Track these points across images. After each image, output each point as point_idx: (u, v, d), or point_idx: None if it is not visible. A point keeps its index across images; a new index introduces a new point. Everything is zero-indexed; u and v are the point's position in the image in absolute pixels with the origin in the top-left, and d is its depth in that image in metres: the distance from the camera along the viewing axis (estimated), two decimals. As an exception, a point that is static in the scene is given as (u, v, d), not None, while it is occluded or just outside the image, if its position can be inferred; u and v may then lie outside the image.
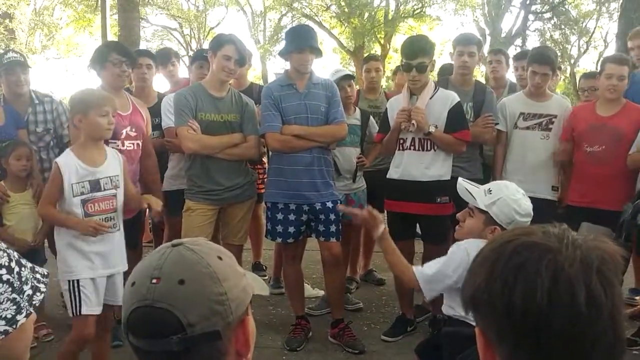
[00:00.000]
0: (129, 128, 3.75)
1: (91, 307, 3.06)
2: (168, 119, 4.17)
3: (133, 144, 3.78)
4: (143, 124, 3.89)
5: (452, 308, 2.65)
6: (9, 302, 1.21)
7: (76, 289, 3.02)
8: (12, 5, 12.93)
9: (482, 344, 0.88)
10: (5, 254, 1.21)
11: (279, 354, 3.86)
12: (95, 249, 3.08)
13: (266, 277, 5.35)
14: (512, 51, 23.47)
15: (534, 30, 24.45)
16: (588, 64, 29.21)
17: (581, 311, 0.78)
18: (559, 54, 12.06)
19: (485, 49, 21.57)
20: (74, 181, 3.01)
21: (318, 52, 3.92)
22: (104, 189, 3.10)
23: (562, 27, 24.52)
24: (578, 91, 5.97)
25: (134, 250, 3.86)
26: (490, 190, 2.55)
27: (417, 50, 3.85)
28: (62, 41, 21.40)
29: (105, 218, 3.10)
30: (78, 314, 3.04)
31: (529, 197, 2.58)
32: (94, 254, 3.08)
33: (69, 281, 3.03)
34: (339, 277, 4.10)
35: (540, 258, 0.81)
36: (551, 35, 24.93)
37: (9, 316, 1.20)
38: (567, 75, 24.09)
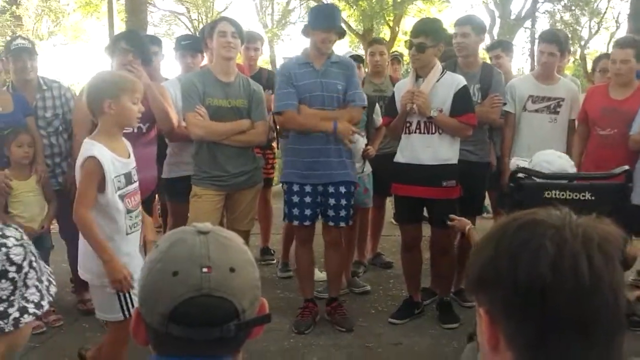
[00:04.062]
0: None
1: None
2: None
3: (133, 128, 3.71)
4: (147, 107, 3.79)
5: None
6: (34, 288, 1.33)
7: (128, 292, 2.80)
8: (19, -9, 12.94)
9: (486, 324, 0.89)
10: (30, 244, 1.34)
11: (287, 336, 3.90)
12: (132, 248, 2.91)
13: (274, 262, 5.39)
14: (522, 34, 23.33)
15: (544, 12, 24.17)
16: (599, 45, 28.92)
17: (584, 282, 0.80)
18: (569, 35, 11.94)
19: (495, 30, 21.26)
20: (114, 175, 2.73)
21: (341, 33, 3.94)
22: (134, 182, 2.88)
23: (573, 8, 24.21)
24: (591, 71, 5.89)
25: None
26: (531, 160, 2.88)
27: (420, 30, 3.88)
28: (69, 27, 21.41)
29: (137, 213, 2.92)
30: (130, 315, 2.79)
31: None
32: (132, 253, 2.89)
33: None
34: (337, 258, 4.15)
35: (544, 233, 0.84)
36: (561, 17, 24.64)
37: (36, 300, 1.34)
38: (577, 57, 23.85)
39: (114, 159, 2.74)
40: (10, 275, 1.28)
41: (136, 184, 2.90)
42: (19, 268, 1.29)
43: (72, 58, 34.63)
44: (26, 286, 1.31)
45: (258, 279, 1.09)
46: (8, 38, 6.08)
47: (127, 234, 2.83)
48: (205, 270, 1.01)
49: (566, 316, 0.81)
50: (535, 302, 0.82)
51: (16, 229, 1.33)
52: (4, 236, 1.29)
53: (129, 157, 2.88)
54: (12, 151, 3.86)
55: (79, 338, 3.76)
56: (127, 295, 2.79)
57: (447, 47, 4.13)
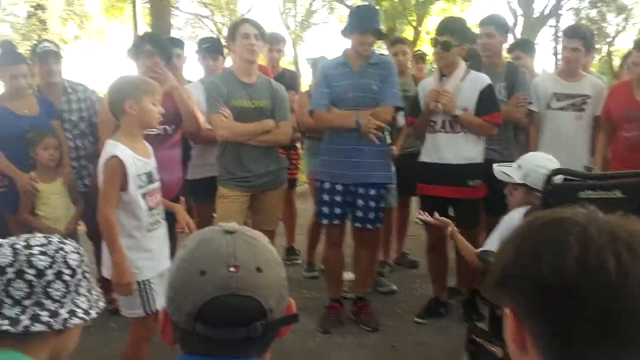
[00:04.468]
0: None
1: (162, 301, 3.00)
2: None
3: (159, 128, 3.71)
4: (171, 111, 3.81)
5: None
6: (84, 297, 1.43)
7: (147, 288, 2.88)
8: (44, -4, 13.14)
9: (512, 324, 0.87)
10: (85, 256, 1.46)
11: (312, 336, 3.90)
12: (154, 245, 2.96)
13: (299, 262, 5.39)
14: (545, 32, 23.01)
15: (569, 9, 23.84)
16: (626, 42, 28.43)
17: (611, 280, 0.78)
18: (595, 32, 11.76)
19: (518, 29, 21.05)
20: (135, 174, 2.80)
21: (380, 34, 3.93)
22: (155, 180, 2.98)
23: (599, 4, 23.85)
24: (619, 67, 5.75)
25: (169, 239, 3.89)
26: (520, 166, 3.05)
27: (445, 28, 3.86)
28: (94, 31, 21.68)
29: (159, 210, 2.99)
30: (153, 311, 2.89)
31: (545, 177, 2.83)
32: (154, 250, 2.96)
33: (138, 282, 2.86)
34: (366, 257, 4.15)
35: (569, 230, 0.82)
36: (587, 14, 24.28)
37: (85, 307, 1.42)
38: (604, 54, 23.48)
39: (136, 158, 2.82)
40: (65, 277, 1.37)
41: (157, 183, 2.98)
42: (74, 273, 1.39)
43: (97, 61, 35.00)
44: (77, 293, 1.41)
45: (285, 279, 1.09)
46: (34, 42, 6.17)
47: (149, 230, 2.91)
48: (232, 269, 1.01)
49: (592, 313, 0.79)
50: (561, 299, 0.80)
51: (73, 241, 1.45)
52: (63, 242, 1.41)
53: (150, 157, 2.97)
54: (38, 154, 3.92)
55: (107, 337, 3.79)
56: (147, 292, 2.87)
57: (470, 46, 4.10)
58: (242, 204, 3.90)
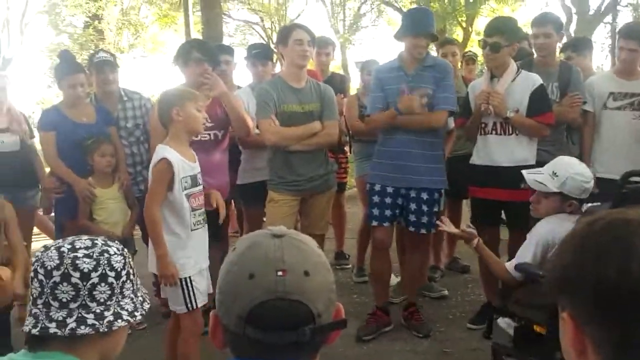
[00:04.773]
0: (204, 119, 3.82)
1: (203, 297, 3.13)
2: None
3: (209, 134, 3.78)
4: (221, 116, 3.87)
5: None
6: (129, 299, 1.44)
7: (189, 284, 3.05)
8: (100, 6, 13.55)
9: (570, 330, 0.84)
10: (130, 258, 1.48)
11: (363, 342, 3.88)
12: (196, 243, 3.13)
13: (349, 266, 5.38)
14: (601, 29, 22.32)
15: (626, 5, 23.05)
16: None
17: None
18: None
19: (572, 28, 20.47)
20: (182, 175, 3.02)
21: (434, 37, 3.91)
22: (199, 184, 3.16)
23: (658, -1, 22.98)
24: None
25: (218, 242, 3.96)
26: (556, 173, 2.93)
27: (494, 29, 3.79)
28: (148, 39, 22.22)
29: (201, 212, 3.16)
30: (194, 307, 3.07)
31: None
32: (196, 248, 3.12)
33: (180, 279, 3.03)
34: (416, 262, 4.11)
35: (635, 232, 0.79)
36: (646, 9, 23.43)
37: (130, 309, 1.44)
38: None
39: (183, 162, 3.04)
40: (109, 280, 1.39)
41: (201, 187, 3.18)
42: (118, 275, 1.41)
43: (152, 69, 35.85)
44: (122, 295, 1.42)
45: (333, 283, 1.08)
46: (91, 52, 6.37)
47: (192, 229, 3.09)
48: (280, 273, 1.01)
49: None
50: (625, 302, 0.77)
51: (122, 246, 1.48)
52: (107, 245, 1.42)
53: (195, 162, 3.17)
54: (95, 160, 4.04)
55: (162, 340, 3.86)
56: (189, 288, 3.04)
57: (520, 45, 4.01)
58: (292, 208, 3.92)
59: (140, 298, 1.49)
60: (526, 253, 2.92)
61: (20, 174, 4.23)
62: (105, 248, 1.41)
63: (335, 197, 4.48)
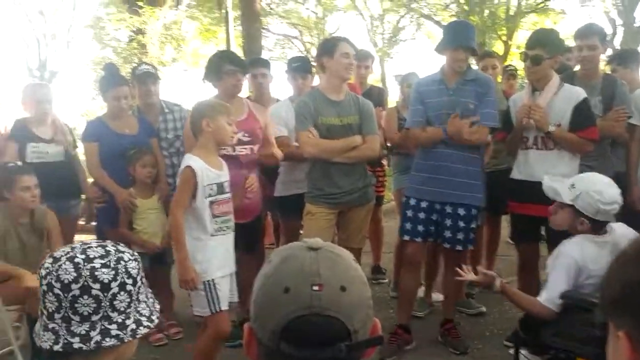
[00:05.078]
0: (241, 133, 3.86)
1: (225, 302, 3.19)
2: (276, 129, 4.24)
3: (246, 148, 3.84)
4: (258, 130, 3.94)
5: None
6: (144, 303, 1.41)
7: (212, 288, 3.13)
8: (144, 21, 13.85)
9: (627, 349, 0.80)
10: (140, 261, 1.43)
11: (399, 357, 3.83)
12: (218, 249, 3.21)
13: (386, 281, 5.34)
14: (648, 41, 21.79)
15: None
16: None
17: None
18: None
19: (617, 41, 20.04)
20: (206, 183, 3.13)
21: (473, 51, 3.86)
22: (225, 192, 3.25)
23: None
24: None
25: (253, 254, 3.98)
26: (574, 185, 2.79)
27: (535, 41, 3.72)
28: (190, 53, 22.60)
29: (225, 219, 3.24)
30: (218, 310, 3.15)
31: None
32: (218, 254, 3.20)
33: (204, 282, 3.12)
34: (453, 279, 4.02)
35: None
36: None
37: (147, 314, 1.40)
38: None
39: (208, 169, 3.15)
40: (128, 287, 1.35)
41: (228, 195, 3.27)
42: (135, 281, 1.37)
43: (193, 82, 36.45)
44: (139, 300, 1.39)
45: (370, 298, 1.05)
46: (134, 65, 6.51)
47: (212, 235, 3.18)
48: (315, 288, 0.98)
49: None
50: None
51: (125, 247, 1.44)
52: (120, 251, 1.38)
53: (222, 170, 3.27)
54: (137, 171, 4.11)
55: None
56: (212, 291, 3.12)
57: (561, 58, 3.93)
58: (329, 221, 3.90)
59: (151, 300, 1.46)
60: (559, 282, 2.76)
61: (64, 183, 4.32)
62: (119, 255, 1.37)
63: (372, 211, 4.45)
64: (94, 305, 1.31)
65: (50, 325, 1.32)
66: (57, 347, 1.30)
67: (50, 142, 4.35)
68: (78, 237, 4.94)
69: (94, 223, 4.61)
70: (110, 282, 1.32)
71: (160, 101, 4.56)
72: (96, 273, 1.31)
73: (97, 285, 1.31)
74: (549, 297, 2.77)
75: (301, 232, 4.34)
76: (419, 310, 4.47)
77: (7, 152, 4.24)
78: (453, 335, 3.98)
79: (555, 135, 3.64)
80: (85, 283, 1.30)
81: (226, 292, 3.20)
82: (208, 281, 3.13)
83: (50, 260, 1.36)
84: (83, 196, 4.57)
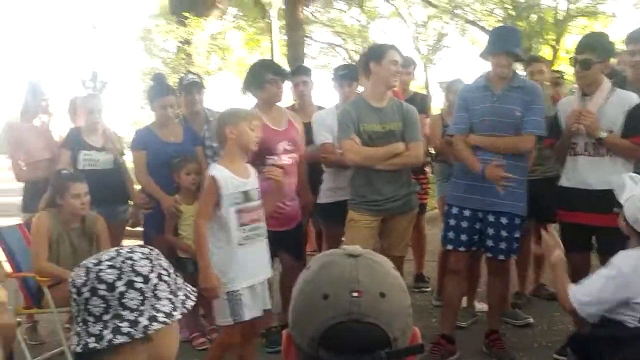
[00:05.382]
0: (285, 143, 3.89)
1: (250, 312, 3.19)
2: (321, 136, 4.26)
3: (291, 157, 3.92)
4: (299, 138, 4.03)
5: (618, 312, 2.58)
6: (167, 300, 1.41)
7: (236, 298, 3.13)
8: (190, 32, 14.13)
9: None
10: (165, 262, 1.45)
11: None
12: (245, 258, 3.18)
13: (429, 289, 5.28)
14: None
15: None
16: None
17: None
18: None
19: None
20: (229, 192, 3.13)
21: (517, 57, 3.78)
22: (254, 200, 3.23)
23: None
24: None
25: (298, 260, 4.00)
26: (633, 187, 2.61)
27: (585, 45, 3.62)
28: (235, 63, 22.92)
29: (254, 227, 3.22)
30: (239, 320, 3.15)
31: None
32: (245, 263, 3.17)
33: (228, 292, 3.12)
34: (498, 288, 3.97)
35: None
36: None
37: (167, 310, 1.40)
38: None
39: (232, 178, 3.14)
40: (137, 285, 1.37)
41: (256, 202, 3.25)
42: (146, 279, 1.38)
43: (238, 91, 36.95)
44: (157, 297, 1.39)
45: (409, 306, 1.04)
46: (181, 74, 6.65)
47: (240, 244, 3.16)
48: (355, 294, 0.97)
49: None
50: None
51: (150, 248, 1.46)
52: (132, 251, 1.41)
53: (249, 177, 3.25)
54: (182, 178, 4.19)
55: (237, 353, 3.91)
56: (236, 302, 3.11)
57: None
58: (372, 229, 3.88)
59: (183, 297, 1.46)
60: (594, 287, 2.63)
61: (113, 190, 4.43)
62: (129, 255, 1.39)
63: (415, 219, 4.40)
64: (104, 305, 1.35)
65: (77, 330, 1.38)
66: (78, 349, 1.36)
67: (101, 151, 4.48)
68: (126, 242, 5.06)
69: (140, 228, 4.71)
70: (114, 281, 1.36)
71: (204, 109, 4.64)
72: (101, 274, 1.36)
73: (103, 286, 1.35)
74: (578, 294, 2.67)
75: (343, 239, 4.33)
76: (463, 320, 4.40)
77: (61, 160, 4.41)
78: (498, 347, 3.90)
79: (607, 142, 3.54)
80: (93, 285, 1.36)
81: (251, 303, 3.19)
82: (232, 292, 3.13)
83: (75, 269, 1.42)
84: (131, 202, 4.68)
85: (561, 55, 20.31)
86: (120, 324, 1.35)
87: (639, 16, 22.98)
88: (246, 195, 3.19)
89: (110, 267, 1.37)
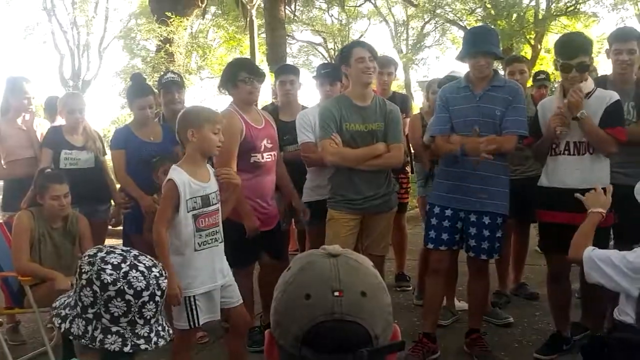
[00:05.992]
0: (265, 140, 3.86)
1: (205, 315, 3.14)
2: (303, 135, 4.24)
3: (271, 155, 3.88)
4: (276, 136, 4.00)
5: (626, 313, 2.55)
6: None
7: (193, 304, 3.08)
8: (171, 31, 14.06)
9: None
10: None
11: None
12: (202, 263, 3.12)
13: (410, 288, 5.28)
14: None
15: None
16: None
17: None
18: None
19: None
20: (188, 197, 3.04)
21: (495, 56, 3.77)
22: (212, 204, 3.15)
23: None
24: None
25: (279, 260, 3.97)
26: None
27: (577, 49, 3.61)
28: (215, 61, 22.82)
29: (211, 232, 3.15)
30: (196, 325, 3.12)
31: None
32: (202, 268, 3.11)
33: (185, 297, 3.06)
34: (479, 287, 3.97)
35: None
36: None
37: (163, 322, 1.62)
38: None
39: (191, 182, 3.06)
40: (157, 299, 1.51)
41: (215, 206, 3.17)
42: (162, 293, 1.54)
43: (217, 90, 36.83)
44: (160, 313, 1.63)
45: (389, 305, 1.05)
46: (161, 73, 6.61)
47: (196, 250, 3.09)
48: (336, 294, 0.98)
49: None
50: None
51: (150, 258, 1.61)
52: (155, 265, 1.53)
53: (209, 181, 3.16)
54: (160, 177, 4.13)
55: (223, 353, 3.89)
56: (193, 307, 3.07)
57: None
58: (351, 228, 3.86)
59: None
60: (615, 256, 2.60)
61: (94, 189, 4.41)
62: (159, 268, 1.56)
63: (395, 218, 4.39)
64: (154, 310, 1.49)
65: (114, 329, 1.45)
66: (126, 349, 1.44)
67: (82, 150, 4.44)
68: (108, 242, 5.00)
69: (120, 227, 4.66)
70: (165, 289, 1.51)
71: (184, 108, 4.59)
72: (160, 282, 1.50)
73: (160, 292, 1.49)
74: (594, 252, 2.67)
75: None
76: (444, 318, 4.40)
77: (42, 159, 4.36)
78: (480, 346, 3.90)
79: (584, 122, 3.55)
80: (152, 291, 1.47)
81: (207, 308, 3.14)
82: (189, 297, 3.07)
83: (109, 267, 1.46)
84: (112, 201, 4.64)
85: (542, 54, 20.48)
86: (158, 328, 1.50)
87: (619, 16, 23.26)
88: (205, 200, 3.11)
89: (162, 275, 1.52)
